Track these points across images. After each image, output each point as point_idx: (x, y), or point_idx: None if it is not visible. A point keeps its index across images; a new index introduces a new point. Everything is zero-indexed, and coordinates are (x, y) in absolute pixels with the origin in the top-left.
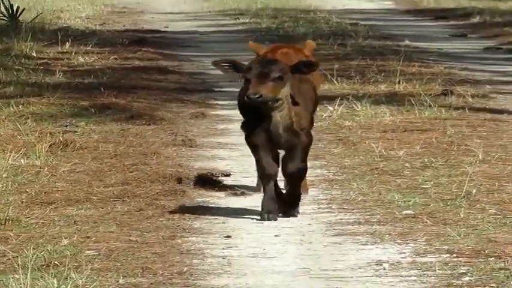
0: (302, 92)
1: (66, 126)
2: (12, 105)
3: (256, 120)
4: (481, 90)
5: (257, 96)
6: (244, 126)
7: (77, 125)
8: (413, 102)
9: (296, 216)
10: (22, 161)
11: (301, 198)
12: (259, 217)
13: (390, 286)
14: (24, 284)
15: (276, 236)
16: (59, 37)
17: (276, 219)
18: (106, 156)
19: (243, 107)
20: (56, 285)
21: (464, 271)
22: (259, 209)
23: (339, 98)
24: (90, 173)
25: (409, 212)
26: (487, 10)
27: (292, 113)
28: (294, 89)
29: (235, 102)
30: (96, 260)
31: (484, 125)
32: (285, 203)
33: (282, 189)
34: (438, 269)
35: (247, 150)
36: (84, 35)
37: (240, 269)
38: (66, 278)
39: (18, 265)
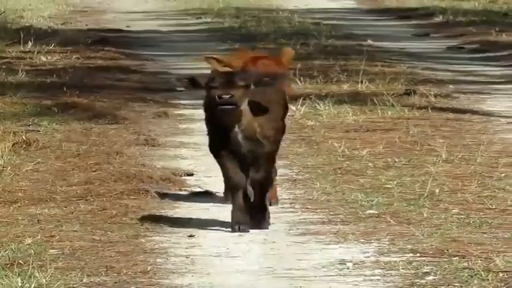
0: (267, 99)
1: (29, 125)
2: None
3: (219, 130)
4: (444, 90)
5: (229, 96)
6: (209, 138)
7: (40, 124)
8: (376, 102)
9: (267, 228)
10: None
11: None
12: (229, 229)
13: (354, 285)
14: None
15: (240, 235)
16: (21, 36)
17: (248, 231)
18: (69, 156)
19: (208, 116)
20: (20, 284)
21: (428, 270)
22: (229, 219)
23: (302, 98)
24: (53, 172)
25: (372, 211)
26: (450, 9)
27: (255, 123)
28: (257, 97)
29: (198, 101)
30: (60, 259)
31: (447, 125)
32: (251, 214)
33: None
34: (402, 269)
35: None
36: (47, 34)
37: (203, 268)
38: (30, 277)
39: None
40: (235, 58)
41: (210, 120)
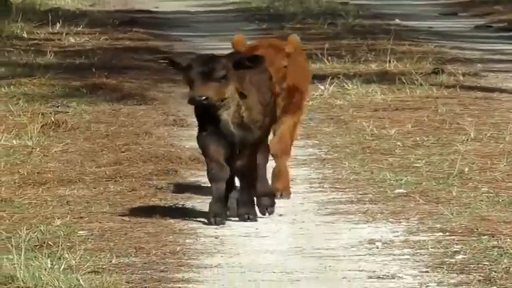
0: (254, 83)
1: (58, 106)
2: (4, 86)
3: (204, 120)
4: (472, 69)
5: (203, 98)
6: (198, 128)
7: (69, 106)
8: (404, 81)
9: (255, 220)
10: (14, 141)
11: (274, 199)
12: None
13: (383, 265)
14: (18, 264)
15: (268, 217)
16: (50, 18)
17: (224, 223)
18: (98, 137)
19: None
20: (49, 265)
21: (457, 249)
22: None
23: (330, 77)
24: (82, 153)
25: (401, 190)
26: None
27: (242, 108)
28: (243, 82)
29: None
30: (89, 240)
31: (475, 103)
32: (238, 204)
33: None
34: (431, 248)
35: None
36: (75, 15)
37: (232, 248)
38: (60, 258)
39: (11, 245)
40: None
41: (195, 112)
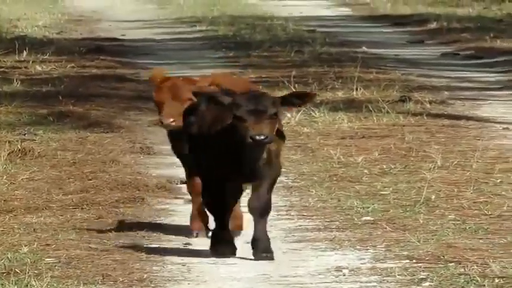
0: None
1: (25, 134)
2: None
3: (227, 154)
4: (439, 97)
5: (263, 137)
6: (204, 159)
7: (35, 133)
8: (371, 109)
9: (272, 258)
10: None
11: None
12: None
13: None
14: None
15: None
16: (16, 46)
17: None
18: (65, 164)
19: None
20: None
21: (424, 276)
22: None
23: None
24: (49, 181)
25: (368, 218)
26: (444, 16)
27: (272, 148)
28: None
29: None
30: (56, 267)
31: (442, 131)
32: (254, 243)
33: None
34: (398, 275)
35: None
36: (42, 43)
37: (200, 275)
38: (27, 286)
39: None
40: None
41: (215, 148)
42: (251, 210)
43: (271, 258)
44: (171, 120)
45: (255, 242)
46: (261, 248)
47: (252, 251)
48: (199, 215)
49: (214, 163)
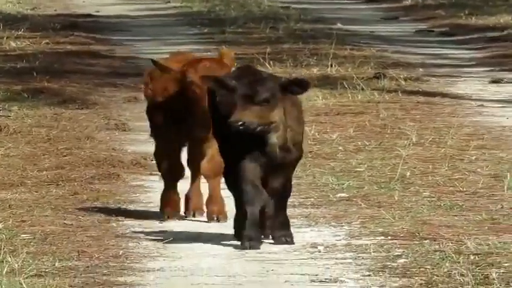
0: (293, 104)
1: (0, 110)
2: None
3: (247, 143)
4: (414, 73)
5: (239, 123)
6: (227, 149)
7: (10, 110)
8: (346, 86)
9: (292, 242)
10: None
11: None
12: (239, 243)
13: (325, 268)
14: None
15: (214, 220)
16: None
17: (259, 248)
18: (40, 141)
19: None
20: None
21: (399, 253)
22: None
23: None
24: (24, 157)
25: (343, 195)
26: None
27: (287, 130)
28: (286, 103)
29: None
30: (31, 243)
31: (417, 108)
32: (273, 226)
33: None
34: (373, 251)
35: None
36: (16, 19)
37: (175, 252)
38: (2, 262)
39: None
40: (176, 61)
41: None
42: (270, 192)
43: (292, 242)
44: None
45: (274, 226)
46: (281, 232)
47: (271, 234)
48: (170, 198)
49: (229, 146)
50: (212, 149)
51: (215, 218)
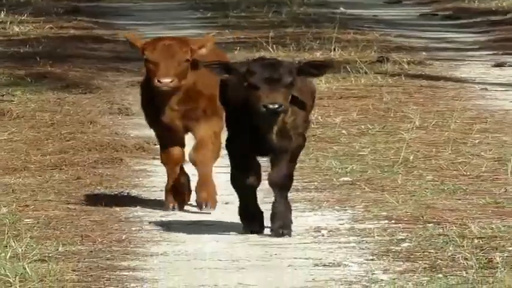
0: (301, 87)
1: (3, 95)
2: None
3: (245, 126)
4: (417, 57)
5: (277, 106)
6: (231, 133)
7: (13, 94)
8: (349, 69)
9: (290, 235)
10: None
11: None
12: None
13: (329, 252)
14: None
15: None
16: None
17: (262, 232)
18: (43, 125)
19: (235, 111)
20: None
21: (403, 237)
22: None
23: None
24: (27, 141)
25: (346, 178)
26: None
27: (288, 114)
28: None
29: None
30: (35, 228)
31: (420, 92)
32: (273, 219)
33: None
34: (377, 235)
35: None
36: (19, 4)
37: (178, 236)
38: (6, 246)
39: None
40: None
41: (237, 118)
42: (270, 184)
43: (289, 235)
44: (169, 80)
45: (273, 217)
46: (278, 224)
47: (270, 225)
48: (174, 188)
49: (236, 135)
50: (201, 134)
51: (204, 205)
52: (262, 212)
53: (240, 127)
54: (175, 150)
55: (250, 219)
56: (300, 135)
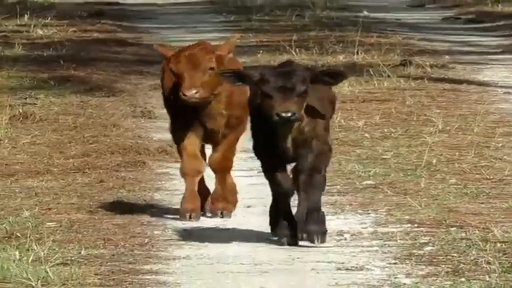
0: (319, 95)
1: (26, 98)
2: None
3: (265, 134)
4: (440, 61)
5: (290, 115)
6: (255, 140)
7: (37, 97)
8: (372, 73)
9: (324, 241)
10: None
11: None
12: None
13: (352, 256)
14: None
15: (239, 208)
16: (18, 10)
17: (297, 244)
18: (66, 128)
19: (256, 121)
20: (18, 257)
21: (425, 241)
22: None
23: None
24: (50, 145)
25: (369, 182)
26: None
27: (304, 121)
28: (312, 95)
29: None
30: (57, 231)
31: (443, 95)
32: (307, 224)
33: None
34: (399, 239)
35: None
36: (43, 7)
37: (201, 240)
38: (28, 250)
39: None
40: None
41: (258, 125)
42: (297, 191)
43: (323, 241)
44: (194, 91)
45: (299, 222)
46: (301, 228)
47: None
48: (192, 196)
49: (259, 142)
50: (223, 142)
51: (219, 214)
52: (295, 222)
53: (261, 134)
54: (197, 161)
55: (280, 227)
56: (323, 143)
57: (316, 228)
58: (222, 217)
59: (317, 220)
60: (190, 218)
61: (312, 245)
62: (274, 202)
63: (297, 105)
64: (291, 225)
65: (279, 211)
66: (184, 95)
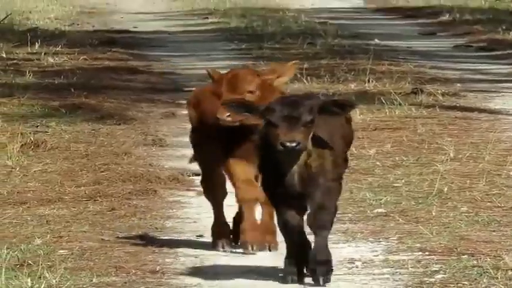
0: (330, 128)
1: (37, 126)
2: None
3: (274, 167)
4: (451, 89)
5: (294, 144)
6: (262, 173)
7: (48, 125)
8: (383, 101)
9: (327, 281)
10: None
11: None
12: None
13: (363, 284)
14: None
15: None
16: (29, 38)
17: (303, 283)
18: (77, 156)
19: (263, 152)
20: (29, 285)
21: (437, 269)
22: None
23: None
24: (61, 172)
25: (380, 210)
26: (457, 8)
27: (311, 156)
28: (319, 126)
29: None
30: (69, 259)
31: (454, 123)
32: (314, 264)
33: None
34: (411, 267)
35: None
36: (54, 35)
37: (213, 267)
38: (40, 278)
39: None
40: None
41: (265, 158)
42: (308, 225)
43: (325, 282)
44: (227, 115)
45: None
46: (321, 269)
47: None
48: (219, 226)
49: (267, 178)
50: (249, 172)
51: (250, 248)
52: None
53: (269, 167)
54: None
55: (293, 265)
56: (331, 181)
57: (321, 268)
58: (270, 250)
59: (322, 260)
60: (223, 247)
61: None
62: (285, 236)
63: (302, 135)
64: (298, 262)
65: (286, 249)
66: (217, 117)
